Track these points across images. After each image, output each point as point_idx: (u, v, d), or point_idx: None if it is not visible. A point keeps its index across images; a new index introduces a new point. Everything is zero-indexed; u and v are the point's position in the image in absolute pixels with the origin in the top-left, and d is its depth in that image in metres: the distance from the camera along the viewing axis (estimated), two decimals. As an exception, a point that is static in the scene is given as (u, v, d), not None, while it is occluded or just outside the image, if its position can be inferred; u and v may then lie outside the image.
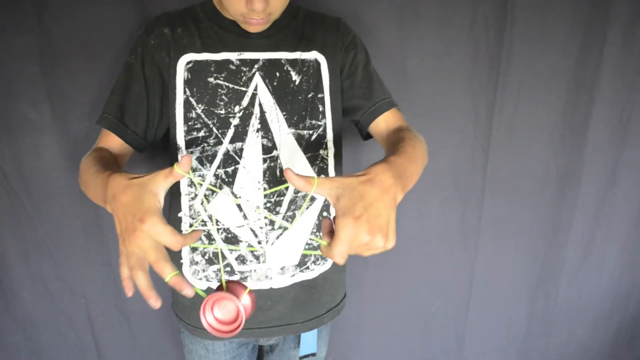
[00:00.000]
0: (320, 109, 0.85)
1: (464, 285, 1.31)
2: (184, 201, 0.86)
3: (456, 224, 1.24)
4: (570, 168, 1.23)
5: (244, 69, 0.82)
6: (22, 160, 1.07)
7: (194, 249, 0.87)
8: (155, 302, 0.54)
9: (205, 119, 0.82)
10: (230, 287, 0.58)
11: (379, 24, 1.07)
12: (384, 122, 0.86)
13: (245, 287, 0.58)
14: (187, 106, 0.82)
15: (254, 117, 0.82)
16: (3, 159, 1.07)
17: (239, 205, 0.84)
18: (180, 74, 0.81)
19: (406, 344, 1.37)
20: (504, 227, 1.26)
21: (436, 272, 1.29)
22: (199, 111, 0.82)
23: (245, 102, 0.82)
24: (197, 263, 0.88)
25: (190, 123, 0.82)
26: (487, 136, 1.16)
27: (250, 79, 0.82)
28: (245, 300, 0.57)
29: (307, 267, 0.89)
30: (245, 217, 0.84)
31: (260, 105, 0.82)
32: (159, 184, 0.55)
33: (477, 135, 1.16)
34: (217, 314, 0.57)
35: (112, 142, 0.82)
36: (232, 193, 0.83)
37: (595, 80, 1.16)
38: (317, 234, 0.87)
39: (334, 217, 0.53)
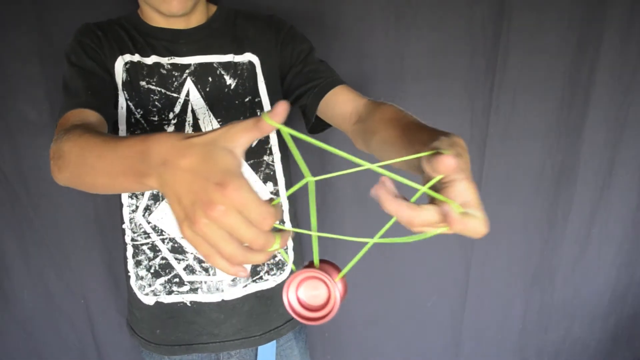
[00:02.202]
0: (259, 113, 0.81)
1: (461, 281, 1.32)
2: (125, 213, 0.82)
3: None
4: (567, 166, 1.23)
5: (176, 74, 0.78)
6: (21, 160, 1.07)
7: (138, 263, 0.84)
8: (244, 273, 0.40)
9: (145, 125, 0.78)
10: (322, 267, 0.45)
11: (376, 23, 1.07)
12: (345, 100, 0.73)
13: (339, 270, 0.46)
14: (128, 110, 0.78)
15: (187, 124, 0.79)
16: (3, 159, 1.07)
17: None
18: (119, 74, 0.77)
19: (402, 340, 1.38)
20: (500, 224, 1.26)
21: (432, 269, 1.29)
22: (138, 116, 0.78)
23: (177, 108, 0.79)
24: (142, 278, 0.84)
25: (132, 129, 0.78)
26: (483, 135, 1.17)
27: (181, 84, 0.78)
28: (339, 285, 0.44)
29: (261, 277, 0.86)
30: None
31: (193, 112, 0.79)
32: (237, 139, 0.38)
33: (473, 134, 1.17)
34: (301, 295, 0.45)
35: (88, 118, 0.68)
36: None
37: (591, 80, 1.16)
38: None
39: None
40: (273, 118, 0.37)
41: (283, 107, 0.37)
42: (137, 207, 0.81)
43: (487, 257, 1.30)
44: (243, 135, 0.39)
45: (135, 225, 0.82)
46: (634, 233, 1.35)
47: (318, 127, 0.84)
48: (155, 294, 0.84)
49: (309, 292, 0.45)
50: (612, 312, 1.44)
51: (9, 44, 0.98)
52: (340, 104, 0.74)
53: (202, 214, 0.35)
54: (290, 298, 0.45)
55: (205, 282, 0.83)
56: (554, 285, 1.36)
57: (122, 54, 0.77)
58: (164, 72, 0.78)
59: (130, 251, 0.84)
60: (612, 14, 1.12)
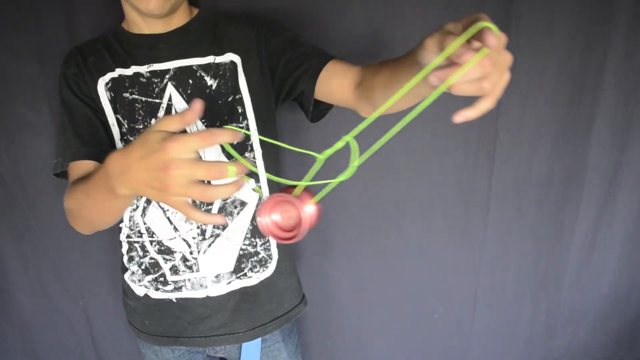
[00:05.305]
0: (240, 110, 0.82)
1: (469, 290, 1.31)
2: (126, 212, 0.86)
3: (461, 229, 1.24)
4: (574, 170, 1.22)
5: (155, 81, 0.81)
6: (19, 161, 1.07)
7: (130, 259, 0.88)
8: (223, 220, 0.51)
9: (134, 134, 0.82)
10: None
11: (381, 25, 1.05)
12: (340, 71, 0.76)
13: (312, 195, 0.51)
14: (120, 124, 0.82)
15: None
16: (0, 161, 1.06)
17: (168, 218, 0.84)
18: (104, 95, 0.81)
19: (409, 350, 1.37)
20: (508, 231, 1.25)
21: (440, 277, 1.28)
22: (126, 128, 0.82)
23: (161, 113, 0.81)
24: (133, 273, 0.88)
25: (125, 137, 0.82)
26: (492, 140, 1.15)
27: (163, 90, 0.81)
28: (309, 209, 0.50)
29: (245, 274, 0.87)
30: (176, 229, 0.84)
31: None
32: (165, 127, 0.47)
33: (482, 139, 1.16)
34: (275, 218, 0.52)
35: (87, 167, 0.77)
36: (160, 206, 0.84)
37: (598, 82, 1.15)
38: (251, 239, 0.86)
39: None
40: (192, 117, 0.46)
41: (196, 104, 0.46)
42: (137, 206, 0.85)
43: (495, 264, 1.29)
44: (169, 122, 0.47)
45: (133, 223, 0.85)
46: (637, 235, 1.34)
47: (318, 114, 0.86)
48: (145, 287, 0.88)
49: (283, 214, 0.52)
50: (614, 315, 1.44)
51: (7, 44, 0.97)
52: (336, 78, 0.76)
53: (167, 178, 0.44)
54: (267, 219, 0.52)
55: (189, 280, 0.86)
56: (560, 291, 1.35)
57: (103, 75, 0.81)
58: (144, 80, 0.81)
59: (125, 247, 0.89)
60: (619, 15, 1.11)
